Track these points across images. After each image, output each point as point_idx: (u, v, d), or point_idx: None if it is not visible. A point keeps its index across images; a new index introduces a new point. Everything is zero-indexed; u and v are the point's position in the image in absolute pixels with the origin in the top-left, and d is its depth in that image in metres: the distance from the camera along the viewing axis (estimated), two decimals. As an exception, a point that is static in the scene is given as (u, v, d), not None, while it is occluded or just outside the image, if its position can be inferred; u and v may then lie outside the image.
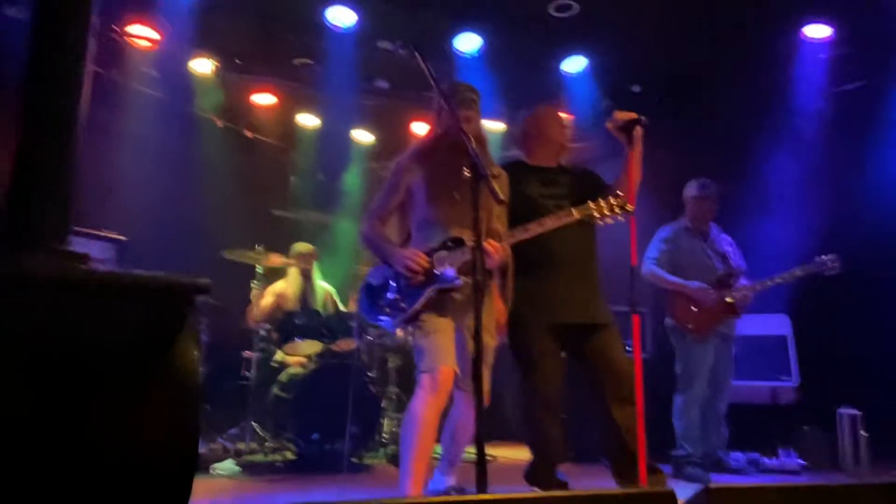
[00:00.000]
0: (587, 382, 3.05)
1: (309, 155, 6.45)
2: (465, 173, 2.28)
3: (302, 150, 6.47)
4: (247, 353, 4.80)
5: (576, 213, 2.83)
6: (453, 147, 2.70)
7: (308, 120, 6.39)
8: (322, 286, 5.41)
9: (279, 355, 4.93)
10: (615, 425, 2.88)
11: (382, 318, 2.85)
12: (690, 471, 4.13)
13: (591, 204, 2.82)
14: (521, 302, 3.07)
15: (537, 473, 3.10)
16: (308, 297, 5.31)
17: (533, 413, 3.06)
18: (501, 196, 2.31)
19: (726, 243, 4.54)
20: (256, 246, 4.76)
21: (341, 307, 5.35)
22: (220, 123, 5.86)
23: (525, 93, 5.40)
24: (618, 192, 2.90)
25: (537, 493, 3.06)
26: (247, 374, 4.76)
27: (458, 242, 2.82)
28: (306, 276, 5.33)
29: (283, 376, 4.74)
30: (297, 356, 4.88)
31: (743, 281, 4.39)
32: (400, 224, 3.05)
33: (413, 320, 2.81)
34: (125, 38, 4.84)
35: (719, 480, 4.19)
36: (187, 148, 5.58)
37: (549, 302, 3.06)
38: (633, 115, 2.94)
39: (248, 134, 5.98)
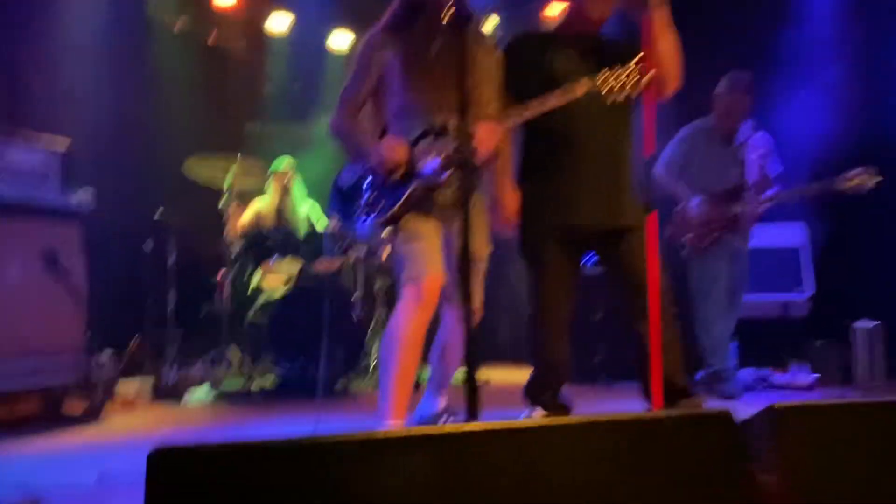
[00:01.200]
0: (610, 294, 2.69)
1: (281, 64, 5.91)
2: (444, 19, 1.86)
3: (273, 61, 5.92)
4: (219, 275, 4.42)
5: (578, 88, 2.39)
6: (431, 14, 2.26)
7: (279, 23, 5.82)
8: (304, 202, 5.00)
9: (255, 279, 4.57)
10: (640, 342, 2.54)
11: (356, 220, 2.47)
12: (723, 387, 3.90)
13: (608, 72, 2.37)
14: (533, 200, 2.67)
15: (538, 390, 2.78)
16: (287, 214, 4.91)
17: (538, 327, 2.72)
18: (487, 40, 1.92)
19: (758, 147, 4.11)
20: (233, 158, 4.32)
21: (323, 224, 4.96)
22: (176, 29, 5.29)
23: None
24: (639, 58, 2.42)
25: (561, 418, 2.75)
26: (220, 297, 4.40)
27: (443, 129, 2.42)
28: (286, 192, 4.92)
29: (258, 299, 4.39)
30: (274, 277, 4.52)
31: (775, 189, 3.99)
32: (375, 115, 2.63)
33: (393, 223, 2.43)
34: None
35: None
36: (141, 56, 5.04)
37: (564, 202, 2.65)
38: None
39: (210, 42, 5.42)
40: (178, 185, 4.52)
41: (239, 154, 4.37)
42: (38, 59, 4.40)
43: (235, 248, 4.50)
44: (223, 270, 4.41)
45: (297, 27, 5.89)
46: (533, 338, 2.76)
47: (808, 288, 4.77)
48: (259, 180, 4.69)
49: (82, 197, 3.51)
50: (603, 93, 2.39)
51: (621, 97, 2.40)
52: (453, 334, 2.71)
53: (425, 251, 2.39)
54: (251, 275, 4.56)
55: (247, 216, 4.91)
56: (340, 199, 2.57)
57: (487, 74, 2.58)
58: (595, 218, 2.63)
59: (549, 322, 2.69)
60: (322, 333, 3.94)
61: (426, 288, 2.34)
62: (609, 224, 2.62)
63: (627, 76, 2.36)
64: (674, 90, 2.56)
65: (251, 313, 4.33)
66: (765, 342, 4.45)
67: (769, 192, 3.98)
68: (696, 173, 4.06)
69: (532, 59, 2.65)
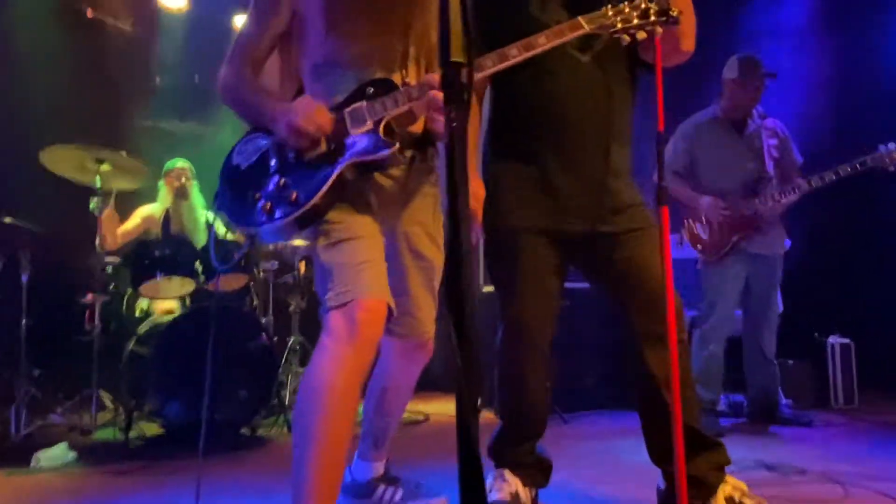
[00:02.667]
0: (608, 308, 2.06)
1: (177, 47, 5.03)
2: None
3: (167, 42, 5.04)
4: (88, 298, 3.52)
5: (586, 24, 1.73)
6: None
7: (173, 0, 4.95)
8: (201, 212, 4.18)
9: (137, 301, 3.70)
10: (648, 373, 1.92)
11: (258, 218, 1.68)
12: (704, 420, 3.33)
13: (609, 8, 1.74)
14: (505, 193, 2.02)
15: (508, 444, 2.11)
16: (182, 221, 4.08)
17: (509, 358, 2.05)
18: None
19: (772, 133, 3.63)
20: (108, 151, 3.44)
21: (229, 237, 4.12)
22: (48, -3, 4.35)
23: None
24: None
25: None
26: (89, 326, 3.50)
27: (384, 85, 1.71)
28: (180, 197, 4.10)
29: (141, 327, 3.53)
30: (161, 299, 3.66)
31: (801, 179, 3.48)
32: (284, 74, 1.90)
33: (312, 221, 1.69)
34: None
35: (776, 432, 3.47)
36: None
37: (548, 196, 2.01)
38: None
39: (89, 13, 4.49)
40: (34, 182, 3.59)
41: (123, 151, 3.52)
42: None
43: (110, 263, 3.62)
44: (92, 292, 3.51)
45: (198, 2, 5.03)
46: (502, 374, 2.09)
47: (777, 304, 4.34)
48: (139, 183, 3.83)
49: None
50: (618, 29, 1.74)
51: (640, 36, 1.76)
52: (398, 373, 1.99)
53: (360, 261, 1.67)
54: (132, 296, 3.69)
55: (131, 223, 4.12)
56: (232, 189, 1.77)
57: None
58: (585, 215, 1.99)
59: (525, 351, 2.02)
60: (226, 366, 3.19)
61: (363, 317, 1.60)
62: (609, 225, 1.98)
63: (637, 11, 1.73)
64: (688, 52, 1.97)
65: (131, 343, 3.45)
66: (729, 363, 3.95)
67: (796, 182, 3.46)
68: (704, 172, 3.60)
69: (507, 3, 2.01)
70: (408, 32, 1.79)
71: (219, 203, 1.78)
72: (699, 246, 3.61)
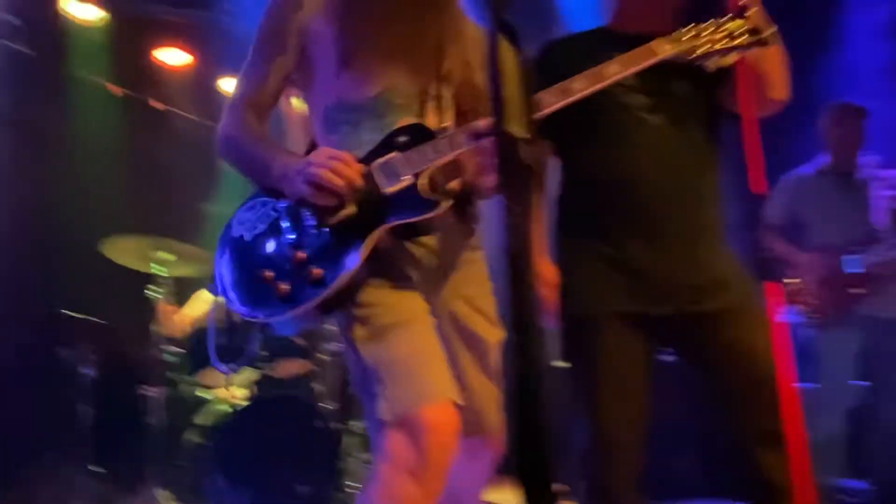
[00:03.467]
0: (709, 401, 1.79)
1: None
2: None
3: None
4: (150, 389, 3.44)
5: (664, 46, 1.50)
6: None
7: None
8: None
9: (197, 389, 3.59)
10: (763, 480, 1.63)
11: (272, 304, 1.39)
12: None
13: (689, 28, 1.53)
14: (580, 275, 1.80)
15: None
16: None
17: (596, 464, 1.78)
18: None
19: (888, 184, 3.35)
20: (171, 241, 3.44)
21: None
22: (117, 91, 4.48)
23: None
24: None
25: None
26: (149, 419, 3.40)
27: (418, 132, 1.46)
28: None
29: (201, 417, 3.41)
30: (222, 388, 3.55)
31: None
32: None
33: (341, 303, 1.42)
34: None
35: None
36: (57, 123, 4.17)
37: (629, 276, 1.78)
38: None
39: (150, 102, 4.60)
40: (95, 273, 3.60)
41: (184, 239, 3.51)
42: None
43: (171, 352, 3.54)
44: (154, 383, 3.43)
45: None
46: (589, 486, 1.80)
47: None
48: (201, 270, 3.79)
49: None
50: (683, 57, 1.53)
51: (711, 64, 1.54)
52: (463, 475, 1.73)
53: (416, 354, 1.39)
54: (192, 385, 3.60)
55: (194, 310, 4.03)
56: (236, 268, 1.49)
57: (480, 52, 1.62)
58: (675, 295, 1.75)
59: (614, 470, 1.75)
60: (289, 457, 3.06)
61: (433, 439, 1.30)
62: (697, 304, 1.73)
63: (723, 32, 1.51)
64: (782, 100, 1.75)
65: (191, 435, 3.34)
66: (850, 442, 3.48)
67: None
68: (807, 227, 3.32)
69: (572, 71, 1.85)
70: (436, 67, 1.55)
71: (221, 287, 1.49)
72: (802, 308, 3.31)
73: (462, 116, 1.57)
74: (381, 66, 1.49)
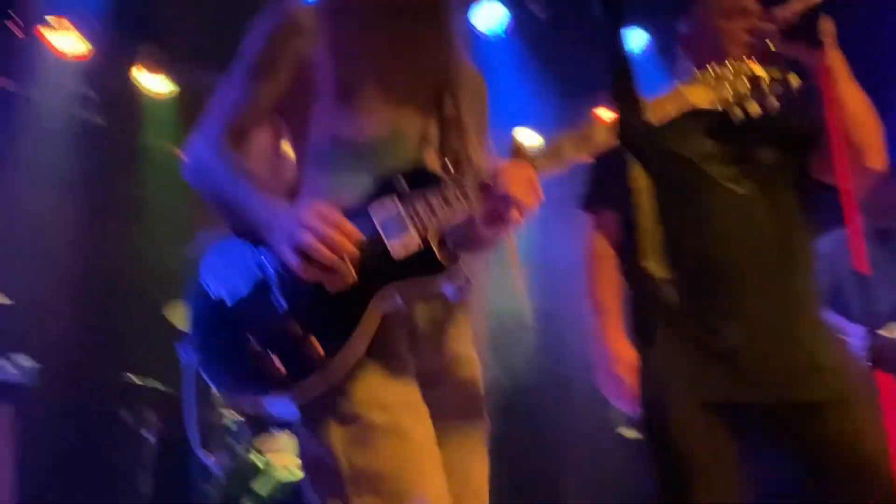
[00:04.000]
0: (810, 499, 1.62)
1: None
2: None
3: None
4: (207, 456, 3.41)
5: (691, 93, 1.37)
6: None
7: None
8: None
9: (256, 455, 3.55)
10: None
11: (265, 383, 1.17)
12: None
13: (712, 70, 1.41)
14: (663, 358, 1.68)
15: None
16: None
17: None
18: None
19: None
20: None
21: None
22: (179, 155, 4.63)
23: (571, 82, 4.14)
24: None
25: None
26: (207, 484, 3.38)
27: (421, 177, 1.27)
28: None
29: (259, 485, 3.35)
30: (279, 453, 3.50)
31: None
32: (274, 161, 1.46)
33: (338, 380, 1.18)
34: (43, 40, 3.69)
35: None
36: (130, 189, 4.32)
37: (718, 359, 1.64)
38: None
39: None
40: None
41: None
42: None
43: (231, 421, 3.53)
44: (213, 449, 3.41)
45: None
46: None
47: None
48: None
49: (19, 366, 2.64)
50: (729, 97, 1.40)
51: (737, 112, 1.40)
52: None
53: (410, 470, 1.16)
54: (249, 452, 3.56)
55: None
56: (215, 336, 1.25)
57: (477, 97, 1.49)
58: (769, 381, 1.60)
59: None
60: None
61: None
62: (795, 391, 1.58)
63: (746, 78, 1.39)
64: (879, 165, 1.62)
65: (245, 501, 3.28)
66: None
67: None
68: (852, 296, 3.02)
69: (647, 147, 1.77)
70: (437, 109, 1.39)
71: (197, 358, 1.24)
72: None
73: (458, 163, 1.39)
74: (383, 105, 1.34)
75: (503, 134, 4.63)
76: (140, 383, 3.41)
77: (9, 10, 3.33)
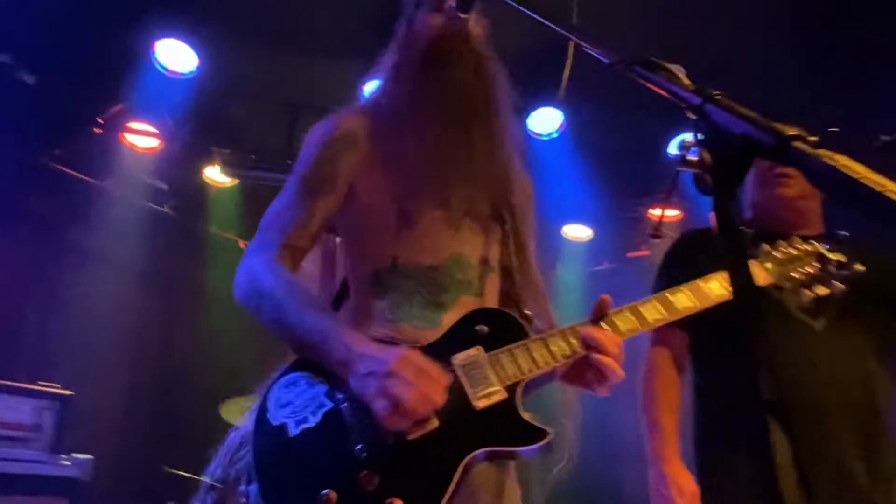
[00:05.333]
0: None
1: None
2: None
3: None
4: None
5: (760, 270, 1.35)
6: (439, 88, 1.34)
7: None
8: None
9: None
10: None
11: None
12: None
13: (771, 247, 1.40)
14: (723, 494, 1.63)
15: None
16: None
17: None
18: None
19: None
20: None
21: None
22: (242, 244, 4.77)
23: (623, 183, 4.18)
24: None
25: None
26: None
27: (502, 322, 1.25)
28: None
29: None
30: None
31: None
32: (324, 270, 1.47)
33: None
34: (121, 138, 3.90)
35: None
36: (192, 275, 4.43)
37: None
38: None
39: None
40: (214, 436, 3.64)
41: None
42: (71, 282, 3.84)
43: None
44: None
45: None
46: None
47: None
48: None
49: (77, 463, 2.66)
50: (796, 281, 1.38)
51: (808, 294, 1.38)
52: None
53: None
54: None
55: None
56: (280, 463, 1.14)
57: (529, 198, 1.48)
58: None
59: None
60: None
61: None
62: None
63: (813, 259, 1.38)
64: None
65: None
66: None
67: None
68: None
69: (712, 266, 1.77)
70: (498, 233, 1.37)
71: (254, 490, 1.13)
72: None
73: (514, 291, 1.36)
74: (444, 228, 1.30)
75: (555, 229, 4.76)
76: (190, 477, 3.40)
77: (97, 118, 3.53)
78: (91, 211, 3.96)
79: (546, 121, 4.00)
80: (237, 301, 1.28)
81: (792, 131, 0.58)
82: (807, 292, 1.36)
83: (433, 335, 1.23)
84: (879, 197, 0.50)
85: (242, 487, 1.17)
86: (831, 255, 1.34)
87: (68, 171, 3.72)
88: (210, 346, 4.09)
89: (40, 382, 2.71)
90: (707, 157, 0.65)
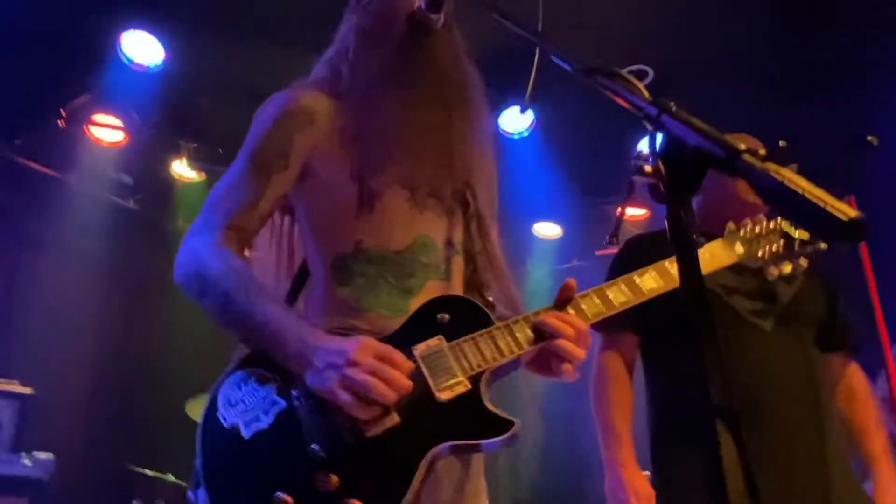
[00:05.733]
0: None
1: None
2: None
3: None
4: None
5: (725, 249, 1.39)
6: (403, 61, 1.28)
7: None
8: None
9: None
10: None
11: None
12: None
13: (743, 227, 1.42)
14: (678, 493, 1.67)
15: None
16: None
17: None
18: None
19: None
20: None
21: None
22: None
23: (593, 182, 4.23)
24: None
25: None
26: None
27: (463, 309, 1.21)
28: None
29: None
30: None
31: None
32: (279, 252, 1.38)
33: None
34: (86, 131, 3.83)
35: None
36: (157, 271, 4.36)
37: None
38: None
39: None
40: (180, 434, 3.61)
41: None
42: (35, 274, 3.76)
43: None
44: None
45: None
46: None
47: None
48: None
49: (38, 463, 2.62)
50: (759, 257, 1.41)
51: (773, 272, 1.41)
52: None
53: None
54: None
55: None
56: (233, 467, 1.08)
57: (491, 180, 1.45)
58: None
59: None
60: None
61: None
62: None
63: (776, 236, 1.41)
64: None
65: None
66: None
67: None
68: None
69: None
70: (462, 214, 1.32)
71: (207, 495, 1.06)
72: None
73: (477, 276, 1.32)
74: (410, 210, 1.25)
75: (526, 227, 4.80)
76: (154, 476, 3.36)
77: (60, 109, 3.46)
78: (53, 204, 3.89)
79: (516, 120, 4.02)
80: (177, 283, 1.20)
81: (742, 144, 0.60)
82: (773, 270, 1.39)
83: (400, 323, 1.18)
84: (821, 211, 0.52)
85: (189, 493, 1.10)
86: (795, 233, 1.37)
87: (30, 163, 3.64)
88: (175, 343, 4.03)
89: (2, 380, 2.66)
90: (661, 167, 0.67)
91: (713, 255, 1.35)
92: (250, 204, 1.21)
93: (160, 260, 4.35)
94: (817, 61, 3.58)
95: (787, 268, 1.38)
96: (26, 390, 2.69)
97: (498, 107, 3.93)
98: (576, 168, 4.25)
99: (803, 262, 1.39)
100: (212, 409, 1.10)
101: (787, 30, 3.55)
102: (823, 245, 1.37)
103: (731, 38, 3.64)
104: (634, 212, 4.43)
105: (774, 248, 1.37)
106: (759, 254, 1.37)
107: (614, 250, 1.94)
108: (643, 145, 4.02)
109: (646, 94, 0.75)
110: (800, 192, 0.54)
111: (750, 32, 3.56)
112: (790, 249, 1.37)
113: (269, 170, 1.22)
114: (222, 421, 1.08)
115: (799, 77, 3.73)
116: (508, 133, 4.06)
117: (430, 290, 1.23)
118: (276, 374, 1.11)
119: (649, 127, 0.71)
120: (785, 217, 1.29)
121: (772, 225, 1.40)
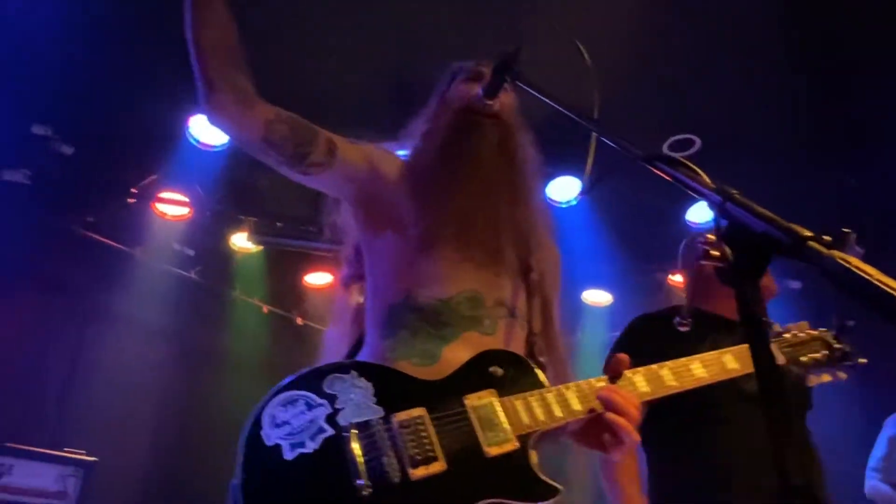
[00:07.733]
0: None
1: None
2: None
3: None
4: None
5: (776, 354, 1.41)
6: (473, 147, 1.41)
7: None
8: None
9: None
10: None
11: None
12: None
13: (791, 332, 1.45)
14: None
15: None
16: None
17: None
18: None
19: None
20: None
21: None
22: (266, 309, 4.84)
23: (641, 250, 4.22)
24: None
25: None
26: None
27: (515, 366, 1.23)
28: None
29: None
30: None
31: None
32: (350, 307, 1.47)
33: None
34: (152, 207, 4.03)
35: None
36: (216, 340, 4.49)
37: None
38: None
39: (299, 321, 4.90)
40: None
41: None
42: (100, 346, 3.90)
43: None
44: None
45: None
46: None
47: None
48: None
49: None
50: (806, 363, 1.42)
51: (825, 378, 1.43)
52: None
53: None
54: None
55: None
56: (273, 491, 1.07)
57: (556, 267, 1.51)
58: None
59: None
60: None
61: None
62: None
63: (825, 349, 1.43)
64: None
65: None
66: None
67: None
68: None
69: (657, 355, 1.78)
70: (521, 278, 1.38)
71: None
72: None
73: (533, 339, 1.34)
74: (463, 266, 1.31)
75: (575, 295, 4.78)
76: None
77: (131, 189, 3.67)
78: (118, 277, 4.06)
79: (565, 188, 4.07)
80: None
81: (807, 232, 0.63)
82: (812, 378, 1.41)
83: (430, 372, 1.20)
84: (888, 297, 0.54)
85: None
86: (837, 345, 1.39)
87: (99, 237, 3.83)
88: (232, 412, 4.07)
89: (65, 449, 2.74)
90: (728, 251, 0.70)
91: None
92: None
93: (219, 329, 4.53)
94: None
95: (826, 378, 1.40)
96: (91, 458, 2.76)
97: (547, 176, 4.00)
98: (625, 235, 4.26)
99: (842, 375, 1.41)
100: (255, 427, 1.08)
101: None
102: (862, 360, 1.40)
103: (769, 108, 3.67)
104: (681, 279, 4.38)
105: (817, 355, 1.40)
106: (802, 359, 1.40)
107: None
108: (693, 215, 4.03)
109: (706, 180, 0.79)
110: (868, 278, 0.56)
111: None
112: (831, 360, 1.40)
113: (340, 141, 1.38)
114: (265, 440, 1.07)
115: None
116: (557, 202, 4.11)
117: (466, 339, 1.25)
118: (327, 400, 1.11)
119: (713, 211, 0.74)
120: (855, 301, 1.30)
121: (816, 333, 1.43)
